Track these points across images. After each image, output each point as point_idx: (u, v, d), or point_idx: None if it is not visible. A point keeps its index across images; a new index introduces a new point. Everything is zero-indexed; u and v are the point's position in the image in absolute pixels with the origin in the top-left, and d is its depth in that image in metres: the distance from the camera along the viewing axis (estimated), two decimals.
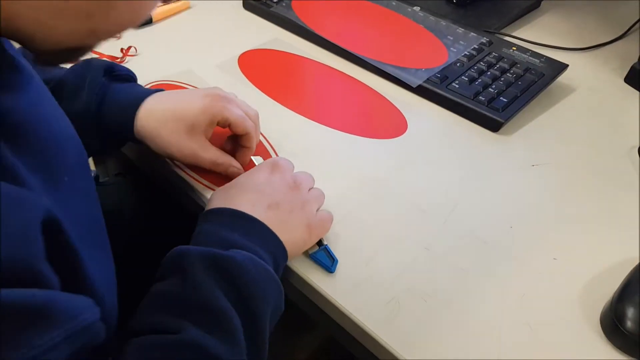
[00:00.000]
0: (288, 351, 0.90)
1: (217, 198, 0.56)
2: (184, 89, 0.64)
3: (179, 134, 0.60)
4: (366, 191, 0.63)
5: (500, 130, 0.72)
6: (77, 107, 0.60)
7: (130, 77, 0.66)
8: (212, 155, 0.62)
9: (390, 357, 0.49)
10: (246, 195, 0.54)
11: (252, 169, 0.60)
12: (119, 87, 0.63)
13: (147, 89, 0.64)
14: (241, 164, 0.63)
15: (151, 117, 0.61)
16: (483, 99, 0.73)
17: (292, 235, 0.53)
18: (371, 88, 0.79)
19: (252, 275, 0.46)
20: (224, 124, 0.61)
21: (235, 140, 0.65)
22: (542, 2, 0.99)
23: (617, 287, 0.51)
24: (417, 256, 0.56)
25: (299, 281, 0.55)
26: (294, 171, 0.60)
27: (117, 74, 0.64)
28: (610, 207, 0.63)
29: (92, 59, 0.64)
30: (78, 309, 0.33)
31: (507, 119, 0.71)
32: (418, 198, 0.63)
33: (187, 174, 0.65)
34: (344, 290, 0.53)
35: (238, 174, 0.61)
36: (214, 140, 0.63)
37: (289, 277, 0.57)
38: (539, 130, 0.73)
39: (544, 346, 0.49)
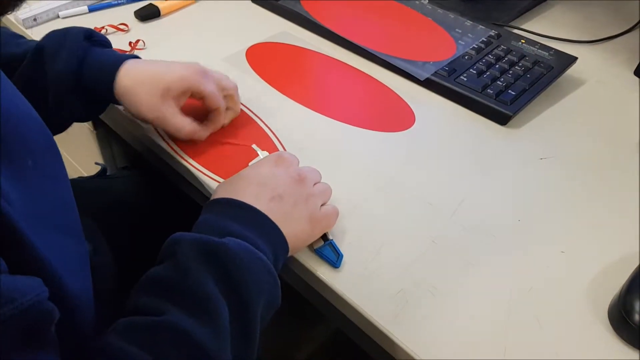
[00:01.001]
0: (296, 344, 0.90)
1: (221, 189, 0.56)
2: (166, 60, 0.67)
3: (153, 95, 0.62)
4: (374, 184, 0.63)
5: (509, 124, 0.72)
6: (57, 68, 0.62)
7: (108, 43, 0.68)
8: (178, 121, 0.64)
9: (398, 349, 0.49)
10: (249, 187, 0.55)
11: (257, 162, 0.60)
12: (99, 51, 0.65)
13: (125, 54, 0.67)
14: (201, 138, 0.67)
15: (129, 76, 0.63)
16: (491, 92, 0.73)
17: (295, 228, 0.54)
18: (379, 81, 0.79)
19: (244, 263, 0.47)
20: (198, 96, 0.64)
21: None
22: None
23: (625, 281, 0.51)
24: (424, 249, 0.56)
25: (306, 274, 0.56)
26: (300, 166, 0.60)
27: (96, 39, 0.66)
28: (618, 201, 0.63)
29: (70, 27, 0.66)
30: (18, 291, 0.33)
31: (516, 112, 0.71)
32: (426, 191, 0.63)
33: (193, 165, 0.65)
34: (351, 283, 0.53)
35: (203, 139, 0.67)
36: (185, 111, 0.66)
37: (296, 269, 0.57)
38: (547, 123, 0.73)
39: (551, 339, 0.49)
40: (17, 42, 0.66)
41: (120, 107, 0.71)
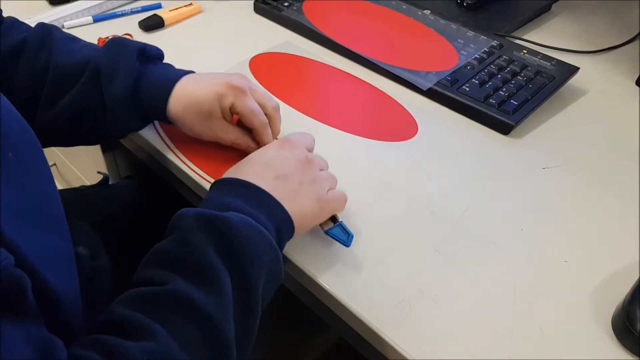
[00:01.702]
0: (298, 352, 0.90)
1: (228, 172, 0.58)
2: (212, 73, 0.67)
3: (200, 120, 0.64)
4: (376, 193, 0.64)
5: (511, 133, 0.72)
6: (115, 91, 0.63)
7: (161, 55, 0.69)
8: (232, 136, 0.65)
9: (401, 358, 0.49)
10: (253, 168, 0.56)
11: (264, 146, 0.61)
12: (152, 69, 0.66)
13: (178, 70, 0.67)
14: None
15: (180, 101, 0.64)
16: (494, 101, 0.73)
17: (300, 207, 0.54)
18: (382, 91, 0.80)
19: (244, 235, 0.48)
20: (234, 112, 0.64)
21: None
22: (553, 5, 0.99)
23: (629, 290, 0.51)
24: (427, 258, 0.57)
25: (309, 282, 0.56)
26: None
27: (149, 55, 0.67)
28: (621, 210, 0.63)
29: (124, 40, 0.67)
30: None
31: (518, 122, 0.71)
32: (428, 200, 0.63)
33: (195, 172, 0.66)
34: (354, 291, 0.53)
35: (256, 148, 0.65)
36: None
37: (298, 277, 0.57)
38: (549, 133, 0.73)
39: (555, 348, 0.49)
40: (70, 48, 0.66)
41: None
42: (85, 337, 0.42)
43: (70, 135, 0.69)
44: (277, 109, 0.66)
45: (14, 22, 0.68)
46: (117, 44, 0.66)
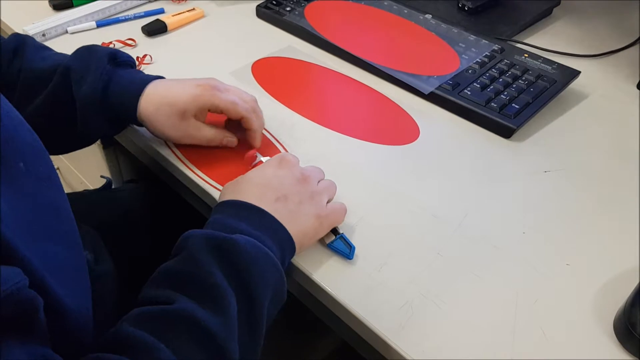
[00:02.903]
0: (302, 356, 0.90)
1: (226, 192, 0.58)
2: (183, 78, 0.68)
3: (172, 118, 0.65)
4: (379, 197, 0.64)
5: (513, 137, 0.72)
6: (83, 91, 0.63)
7: (131, 62, 0.70)
8: (205, 133, 0.67)
9: None
10: (254, 189, 0.56)
11: (260, 165, 0.62)
12: (123, 73, 0.66)
13: (148, 75, 0.68)
14: (253, 146, 0.68)
15: (150, 102, 0.65)
16: (495, 105, 0.74)
17: (301, 226, 0.55)
18: (383, 95, 0.80)
19: (252, 258, 0.48)
20: (215, 110, 0.65)
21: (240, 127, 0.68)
22: (554, 9, 0.99)
23: (630, 293, 0.51)
24: (429, 261, 0.57)
25: (312, 286, 0.56)
26: (302, 165, 0.61)
27: (120, 60, 0.67)
28: (622, 213, 0.63)
29: (95, 46, 0.67)
30: None
31: (519, 126, 0.72)
32: (430, 204, 0.63)
33: (199, 176, 0.66)
34: (357, 295, 0.54)
35: (234, 144, 0.69)
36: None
37: (302, 281, 0.57)
38: (551, 136, 0.73)
39: (557, 351, 0.50)
40: (42, 55, 0.68)
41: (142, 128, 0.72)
42: (89, 356, 0.42)
43: (43, 141, 0.69)
44: (255, 101, 0.68)
45: None
46: (88, 49, 0.67)
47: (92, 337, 0.45)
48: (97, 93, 0.63)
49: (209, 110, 0.66)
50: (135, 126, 0.72)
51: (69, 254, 0.45)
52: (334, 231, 0.58)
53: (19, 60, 0.66)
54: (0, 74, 0.66)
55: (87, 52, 0.66)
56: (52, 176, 0.46)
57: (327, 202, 0.59)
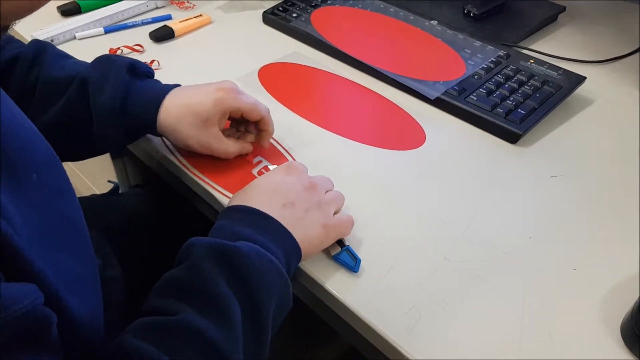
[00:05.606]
0: None
1: (234, 199, 0.58)
2: (200, 84, 0.67)
3: (196, 127, 0.64)
4: (385, 202, 0.64)
5: (519, 142, 0.73)
6: (101, 102, 0.63)
7: (150, 73, 0.70)
8: (225, 146, 0.66)
9: None
10: (261, 195, 0.56)
11: (268, 172, 0.62)
12: (140, 84, 0.66)
13: (165, 85, 0.68)
14: (262, 146, 0.69)
15: (170, 113, 0.64)
16: (501, 111, 0.74)
17: (307, 234, 0.55)
18: (389, 100, 0.80)
19: (255, 265, 0.48)
20: (237, 114, 0.65)
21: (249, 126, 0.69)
22: (559, 15, 1.00)
23: (638, 297, 0.51)
24: (436, 266, 0.57)
25: (319, 290, 0.56)
26: (311, 174, 0.61)
27: (138, 71, 0.67)
28: (629, 218, 0.63)
29: (114, 56, 0.67)
30: (11, 299, 0.34)
31: (525, 131, 0.72)
32: (437, 208, 0.63)
33: (206, 181, 0.66)
34: (364, 299, 0.54)
35: (249, 151, 0.69)
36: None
37: (309, 285, 0.57)
38: (557, 142, 0.74)
39: (564, 355, 0.50)
40: (61, 64, 0.67)
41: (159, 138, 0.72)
42: None
43: (56, 150, 0.69)
44: (268, 110, 0.68)
45: (9, 40, 0.69)
46: (107, 59, 0.66)
47: (100, 343, 0.46)
48: (115, 104, 0.63)
49: (229, 116, 0.66)
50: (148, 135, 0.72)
51: (82, 266, 0.45)
52: (340, 242, 0.58)
53: (38, 68, 0.66)
54: (19, 82, 0.66)
55: (106, 62, 0.66)
56: (65, 187, 0.46)
57: (335, 213, 0.59)
